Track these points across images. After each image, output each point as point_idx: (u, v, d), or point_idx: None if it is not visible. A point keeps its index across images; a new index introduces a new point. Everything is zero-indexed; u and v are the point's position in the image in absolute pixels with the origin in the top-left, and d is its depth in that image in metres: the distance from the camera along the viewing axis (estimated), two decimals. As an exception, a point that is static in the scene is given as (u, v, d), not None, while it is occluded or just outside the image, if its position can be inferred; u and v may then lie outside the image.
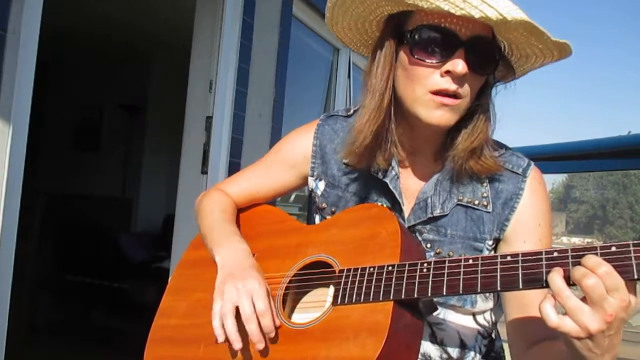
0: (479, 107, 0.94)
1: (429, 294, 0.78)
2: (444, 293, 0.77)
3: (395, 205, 0.99)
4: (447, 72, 0.87)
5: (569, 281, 0.70)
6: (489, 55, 0.90)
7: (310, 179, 1.11)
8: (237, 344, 0.85)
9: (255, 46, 2.75)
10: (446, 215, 0.97)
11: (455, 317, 0.98)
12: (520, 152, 1.03)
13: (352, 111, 1.09)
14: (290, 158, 1.13)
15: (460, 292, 0.76)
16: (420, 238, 0.97)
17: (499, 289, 0.74)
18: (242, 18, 2.63)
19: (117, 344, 3.17)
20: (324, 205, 1.07)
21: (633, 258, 0.67)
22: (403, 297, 0.79)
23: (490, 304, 1.01)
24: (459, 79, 0.87)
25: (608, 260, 0.68)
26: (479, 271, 0.75)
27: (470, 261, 0.77)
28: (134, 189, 5.23)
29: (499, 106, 0.98)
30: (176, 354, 0.99)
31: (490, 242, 0.98)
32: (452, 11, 0.83)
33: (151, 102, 5.26)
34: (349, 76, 4.01)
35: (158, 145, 5.20)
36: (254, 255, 1.00)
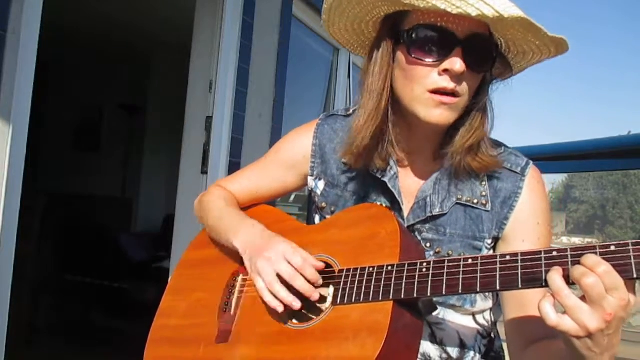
0: (476, 104, 0.94)
1: (429, 294, 0.78)
2: (444, 293, 0.77)
3: (395, 205, 0.99)
4: (445, 70, 0.87)
5: (569, 280, 0.70)
6: (486, 52, 0.90)
7: (309, 179, 1.11)
8: (297, 304, 0.87)
9: (255, 46, 2.75)
10: (445, 214, 0.97)
11: (454, 317, 0.98)
12: (520, 152, 1.03)
13: (351, 111, 1.09)
14: (290, 158, 1.13)
15: (460, 291, 0.77)
16: (419, 237, 0.98)
17: (498, 288, 0.74)
18: (242, 18, 2.63)
19: (117, 344, 3.17)
20: (323, 204, 1.07)
21: (632, 257, 0.67)
22: (402, 296, 0.79)
23: (489, 303, 1.01)
24: (457, 77, 0.88)
25: (607, 260, 0.68)
26: (479, 271, 0.76)
27: (470, 261, 0.77)
28: (134, 189, 5.22)
29: (498, 104, 0.98)
30: (176, 354, 0.99)
31: (490, 241, 0.98)
32: (449, 10, 0.83)
33: (151, 102, 5.26)
34: (349, 76, 4.01)
35: (158, 145, 5.19)
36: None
